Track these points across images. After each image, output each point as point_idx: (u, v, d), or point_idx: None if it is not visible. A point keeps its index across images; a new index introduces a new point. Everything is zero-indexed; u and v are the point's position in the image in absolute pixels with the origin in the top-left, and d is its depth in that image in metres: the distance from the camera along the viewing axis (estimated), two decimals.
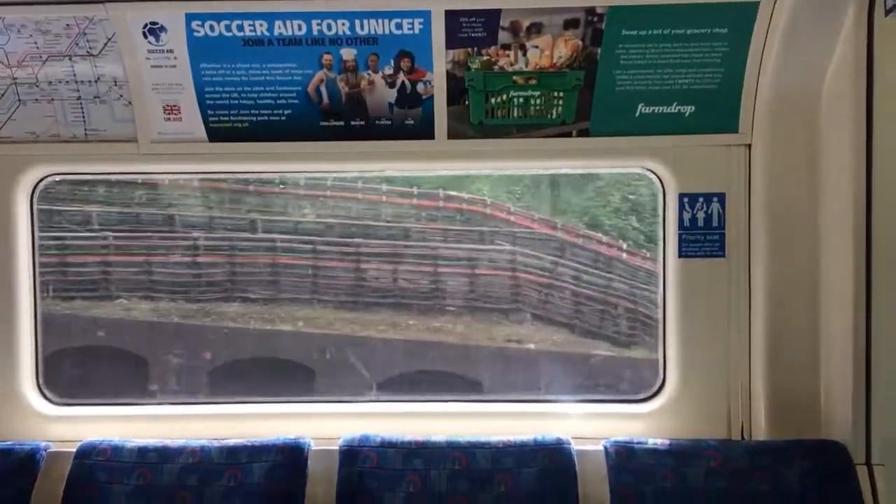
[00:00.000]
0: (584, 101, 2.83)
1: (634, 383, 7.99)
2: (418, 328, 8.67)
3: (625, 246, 8.91)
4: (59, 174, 3.08)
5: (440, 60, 2.75)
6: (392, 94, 2.83)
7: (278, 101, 2.84)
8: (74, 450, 2.78)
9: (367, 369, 8.13)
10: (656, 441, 2.74)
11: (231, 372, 7.85)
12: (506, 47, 2.74)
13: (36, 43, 2.74)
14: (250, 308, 8.71)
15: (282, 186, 8.86)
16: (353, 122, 2.88)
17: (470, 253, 8.93)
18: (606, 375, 8.22)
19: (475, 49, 2.74)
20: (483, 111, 2.86)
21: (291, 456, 2.74)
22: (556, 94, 2.82)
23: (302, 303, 8.77)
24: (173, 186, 8.60)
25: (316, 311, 8.78)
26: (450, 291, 8.84)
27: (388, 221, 9.07)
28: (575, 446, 2.75)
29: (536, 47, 2.74)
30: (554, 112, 2.86)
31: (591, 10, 2.65)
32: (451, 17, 2.66)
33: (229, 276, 8.78)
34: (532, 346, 8.49)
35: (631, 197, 9.24)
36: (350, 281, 8.82)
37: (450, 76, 2.78)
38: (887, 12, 2.45)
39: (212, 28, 2.70)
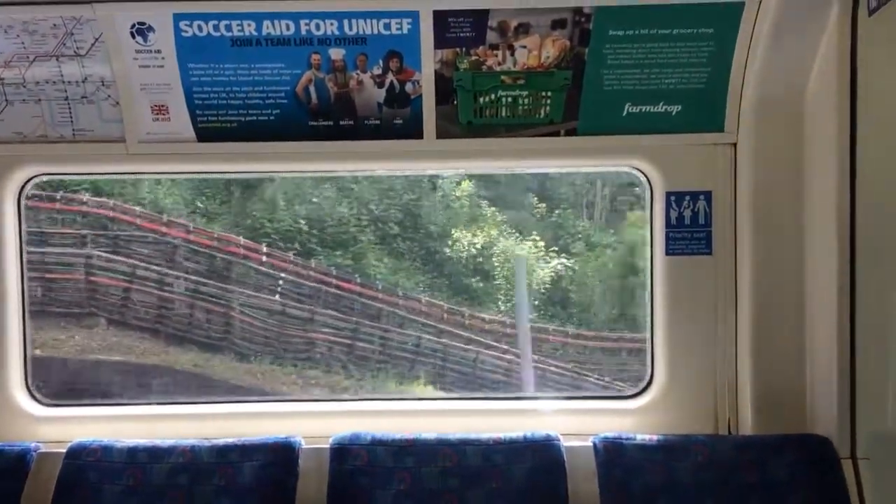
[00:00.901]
0: (572, 101, 2.85)
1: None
2: None
3: (264, 249, 8.95)
4: (46, 174, 3.07)
5: (428, 60, 2.76)
6: (381, 94, 2.84)
7: (267, 101, 2.84)
8: (64, 450, 2.78)
9: None
10: (644, 437, 2.77)
11: None
12: (494, 47, 2.75)
13: (23, 43, 2.73)
14: None
15: None
16: (341, 122, 2.88)
17: (42, 256, 8.45)
18: (99, 379, 8.21)
19: (463, 49, 2.75)
20: (471, 111, 2.87)
21: (282, 455, 2.75)
22: (544, 93, 2.84)
23: None
24: None
25: None
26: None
27: None
28: (564, 442, 2.77)
29: (524, 47, 2.75)
30: (542, 111, 2.87)
31: (578, 11, 2.66)
32: (439, 17, 2.67)
33: None
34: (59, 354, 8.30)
35: (315, 201, 9.31)
36: None
37: (438, 76, 2.79)
38: (871, 12, 2.48)
39: (200, 28, 2.70)
